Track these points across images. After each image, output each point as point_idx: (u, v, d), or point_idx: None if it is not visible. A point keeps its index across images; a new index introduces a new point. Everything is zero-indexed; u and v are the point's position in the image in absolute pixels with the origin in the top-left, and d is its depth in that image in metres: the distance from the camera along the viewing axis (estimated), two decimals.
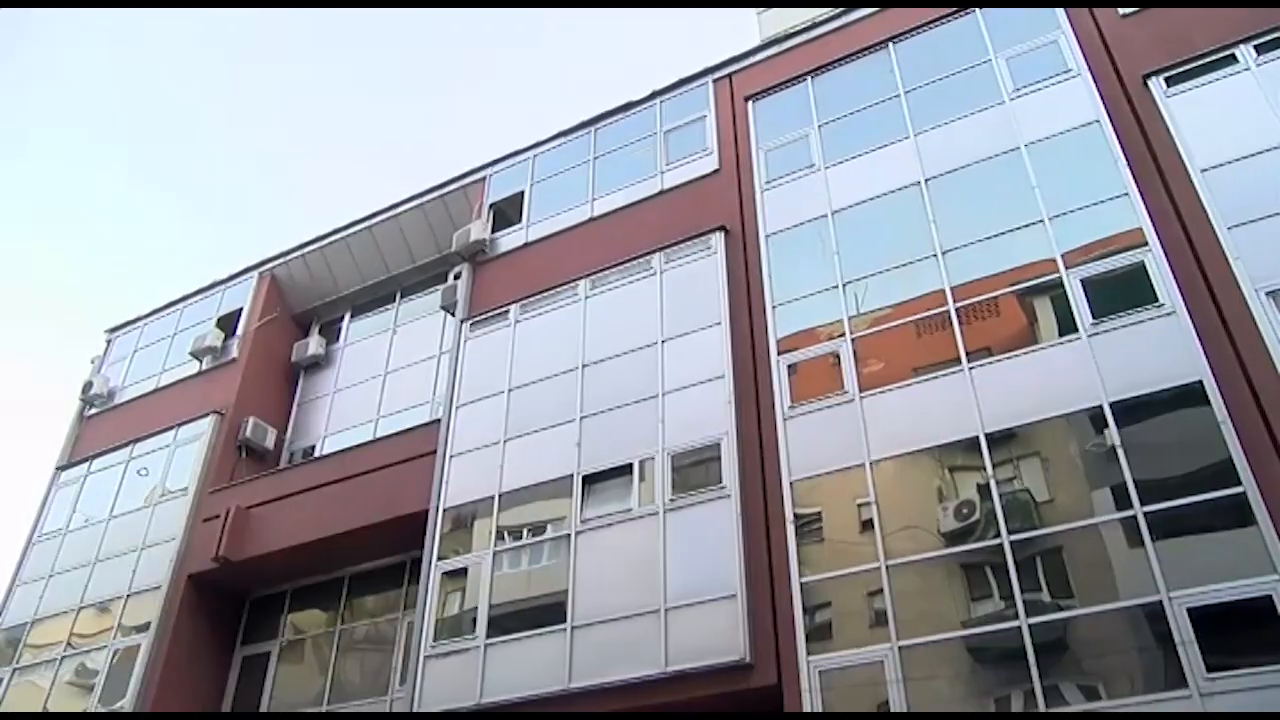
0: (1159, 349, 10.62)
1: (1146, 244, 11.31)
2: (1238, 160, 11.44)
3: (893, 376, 12.06)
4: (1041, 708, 9.42)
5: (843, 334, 12.68)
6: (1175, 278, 10.95)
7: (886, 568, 10.82)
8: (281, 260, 20.80)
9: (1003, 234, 12.40)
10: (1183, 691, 8.97)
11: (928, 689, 10.05)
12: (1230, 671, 8.88)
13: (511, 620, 12.64)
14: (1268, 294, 10.45)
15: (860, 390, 12.09)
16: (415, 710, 12.48)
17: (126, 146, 60.45)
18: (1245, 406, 9.96)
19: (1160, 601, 9.39)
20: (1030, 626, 9.85)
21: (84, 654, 16.72)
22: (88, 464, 19.78)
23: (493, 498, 13.75)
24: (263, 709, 16.02)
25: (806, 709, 10.35)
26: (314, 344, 20.08)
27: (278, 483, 17.08)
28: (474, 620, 12.86)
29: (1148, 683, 9.30)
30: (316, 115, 62.40)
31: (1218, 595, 9.21)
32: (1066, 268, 11.64)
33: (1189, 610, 9.24)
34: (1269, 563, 9.12)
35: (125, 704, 15.38)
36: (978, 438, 11.08)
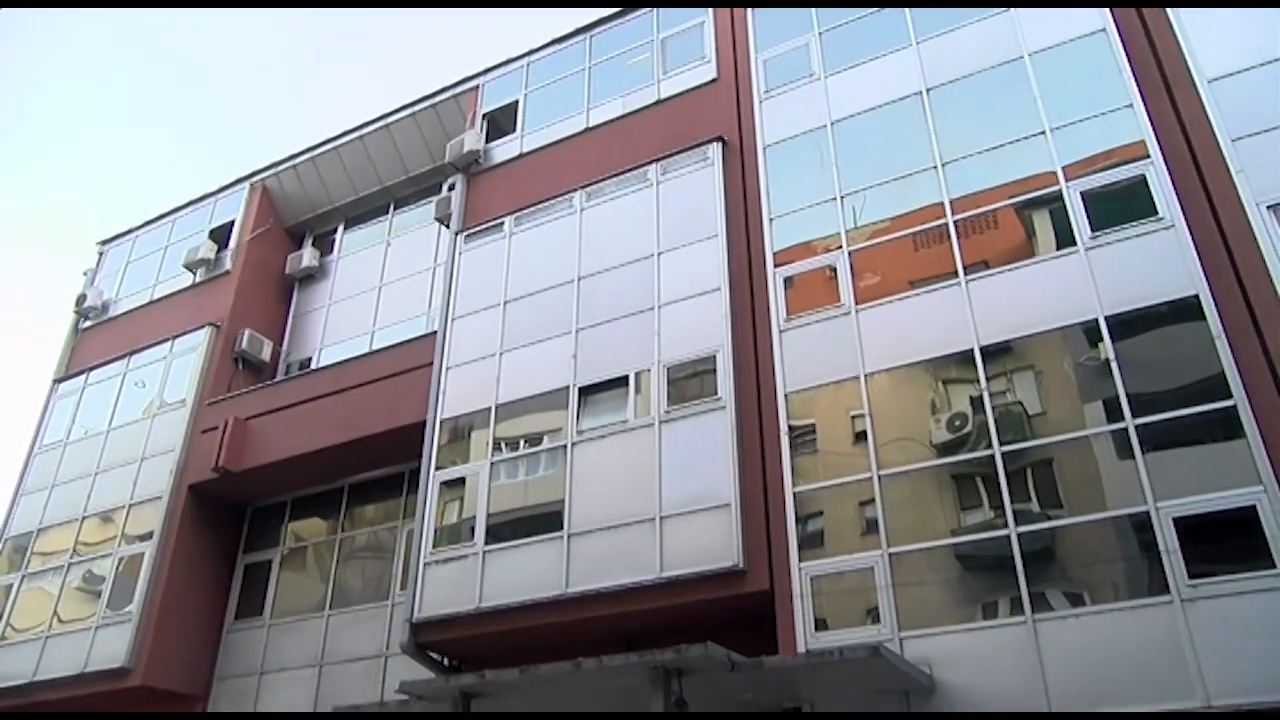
0: (1156, 263, 10.61)
1: (1148, 156, 11.20)
2: (1246, 70, 11.24)
3: (889, 290, 12.06)
4: (1028, 613, 9.68)
5: (839, 247, 12.62)
6: (1176, 191, 10.87)
7: (879, 478, 10.98)
8: (272, 171, 20.55)
9: (1004, 145, 12.25)
10: (1164, 597, 9.22)
11: (916, 594, 10.31)
12: (1211, 578, 9.12)
13: (509, 528, 12.87)
14: (1268, 208, 10.40)
15: (856, 303, 12.09)
16: (416, 613, 12.78)
17: (116, 66, 59.06)
18: (1240, 321, 9.99)
19: (1147, 511, 9.59)
20: (1019, 535, 10.06)
21: (90, 561, 17.05)
22: (85, 376, 19.86)
23: (490, 409, 13.85)
24: (265, 615, 16.41)
25: (797, 614, 10.62)
26: (308, 256, 19.98)
27: (274, 394, 17.18)
28: (472, 528, 13.09)
29: (1131, 589, 9.54)
30: (308, 25, 60.86)
31: (1203, 505, 9.39)
32: (1066, 180, 11.54)
33: (1175, 520, 9.44)
34: (1254, 474, 9.28)
35: (132, 609, 15.73)
36: (972, 351, 11.14)
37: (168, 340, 18.94)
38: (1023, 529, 10.09)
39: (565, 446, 12.94)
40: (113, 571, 16.56)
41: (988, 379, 10.95)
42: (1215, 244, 10.48)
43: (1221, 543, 9.32)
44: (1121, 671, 9.12)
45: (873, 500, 10.94)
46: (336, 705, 11.66)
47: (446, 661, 13.15)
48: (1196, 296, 10.22)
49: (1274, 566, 8.89)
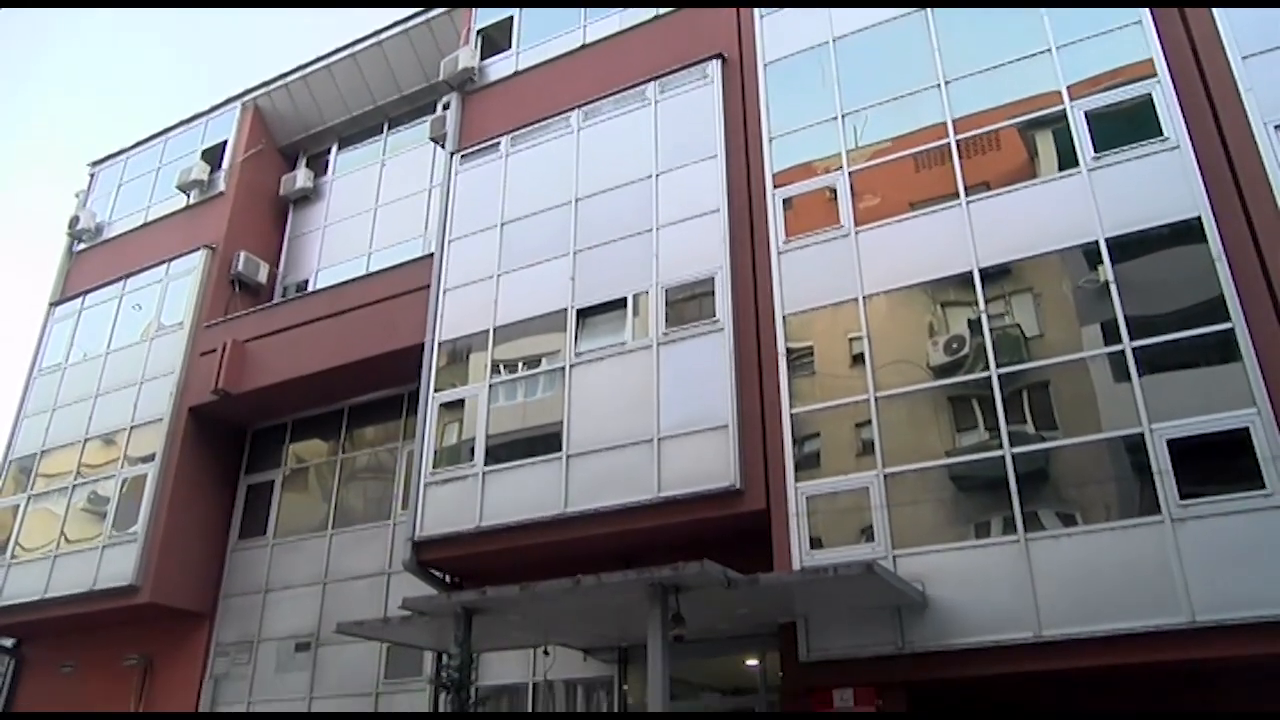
0: (1159, 184, 10.49)
1: (1155, 75, 10.99)
2: None
3: (889, 211, 11.95)
4: (1020, 532, 9.84)
5: (840, 167, 12.46)
6: (1182, 110, 10.69)
7: (875, 400, 11.05)
8: (264, 90, 20.17)
9: (1008, 64, 12.00)
10: (1155, 517, 9.36)
11: (910, 514, 10.46)
12: (1201, 499, 9.24)
13: (508, 449, 12.97)
14: (1276, 128, 10.25)
15: (856, 225, 11.99)
16: (418, 532, 12.97)
17: None
18: (1241, 243, 9.94)
19: (1141, 433, 9.67)
20: (1013, 456, 10.16)
21: (94, 483, 17.24)
22: (81, 299, 19.81)
23: (488, 331, 13.85)
24: (269, 535, 16.66)
25: (793, 532, 10.78)
26: (302, 177, 19.74)
27: (272, 317, 17.15)
28: (472, 449, 13.19)
29: (1122, 509, 9.68)
30: None
31: (1197, 428, 9.48)
32: (1071, 100, 11.35)
33: (1168, 441, 9.53)
34: (1249, 397, 9.33)
35: (137, 529, 15.97)
36: (971, 273, 11.09)
37: (163, 263, 18.83)
38: (1017, 450, 10.19)
39: (563, 368, 12.97)
40: (117, 492, 16.76)
41: (986, 301, 10.93)
42: (1220, 165, 10.36)
43: (1213, 464, 9.43)
44: (1110, 589, 9.30)
45: (869, 422, 11.01)
46: (340, 621, 11.87)
47: (448, 578, 13.40)
48: (1199, 218, 10.14)
49: (1264, 487, 9.01)
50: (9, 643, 18.24)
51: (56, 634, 17.30)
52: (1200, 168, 10.33)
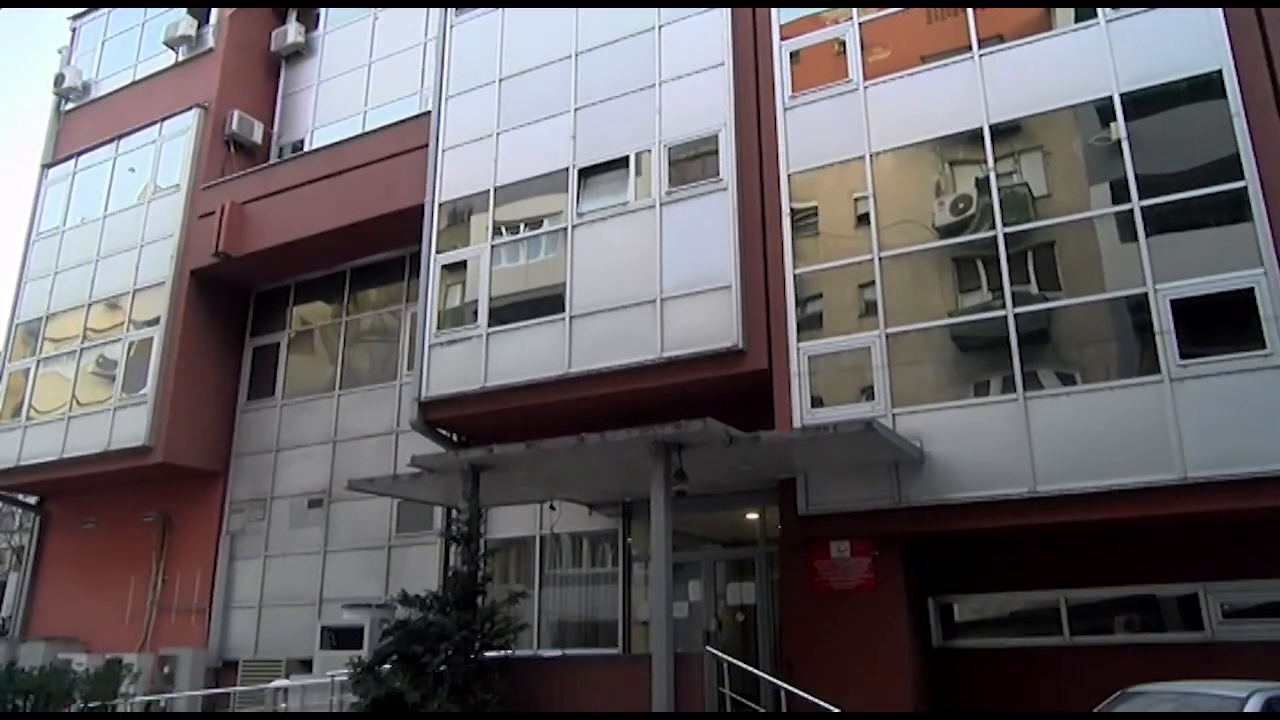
0: (1180, 37, 10.13)
1: None
2: None
3: (899, 65, 11.58)
4: (1020, 391, 9.95)
5: (849, 19, 12.01)
6: None
7: (879, 260, 10.99)
8: None
9: None
10: (1154, 377, 9.45)
11: (911, 373, 10.56)
12: (1201, 359, 9.30)
13: (511, 311, 13.00)
14: None
15: (864, 79, 11.65)
16: (424, 392, 13.15)
17: None
18: (1262, 99, 9.65)
19: (1145, 293, 9.66)
20: (1016, 316, 10.18)
21: (101, 346, 17.38)
22: (74, 161, 19.48)
23: (488, 192, 13.66)
24: (277, 396, 16.89)
25: (794, 392, 10.92)
26: (293, 31, 19.05)
27: (270, 178, 16.90)
28: (475, 311, 13.22)
29: (1122, 369, 9.77)
30: None
31: (1201, 288, 9.46)
32: None
33: (1171, 301, 9.52)
34: (1257, 256, 9.27)
35: (146, 392, 16.19)
36: (981, 130, 10.85)
37: (155, 123, 18.41)
38: (1020, 310, 10.20)
39: (565, 229, 12.86)
40: (124, 356, 16.91)
41: (995, 160, 10.73)
42: (1247, 17, 9.95)
43: (1215, 324, 9.45)
44: (1106, 447, 9.47)
45: (872, 282, 10.99)
46: (351, 478, 12.18)
47: (455, 437, 13.66)
48: (1219, 72, 9.82)
49: (1264, 348, 9.06)
50: (33, 500, 18.80)
51: (77, 492, 17.79)
52: (1225, 19, 9.95)
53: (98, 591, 17.01)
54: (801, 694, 9.21)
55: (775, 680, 9.69)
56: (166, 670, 15.04)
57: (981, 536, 10.52)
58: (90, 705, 14.16)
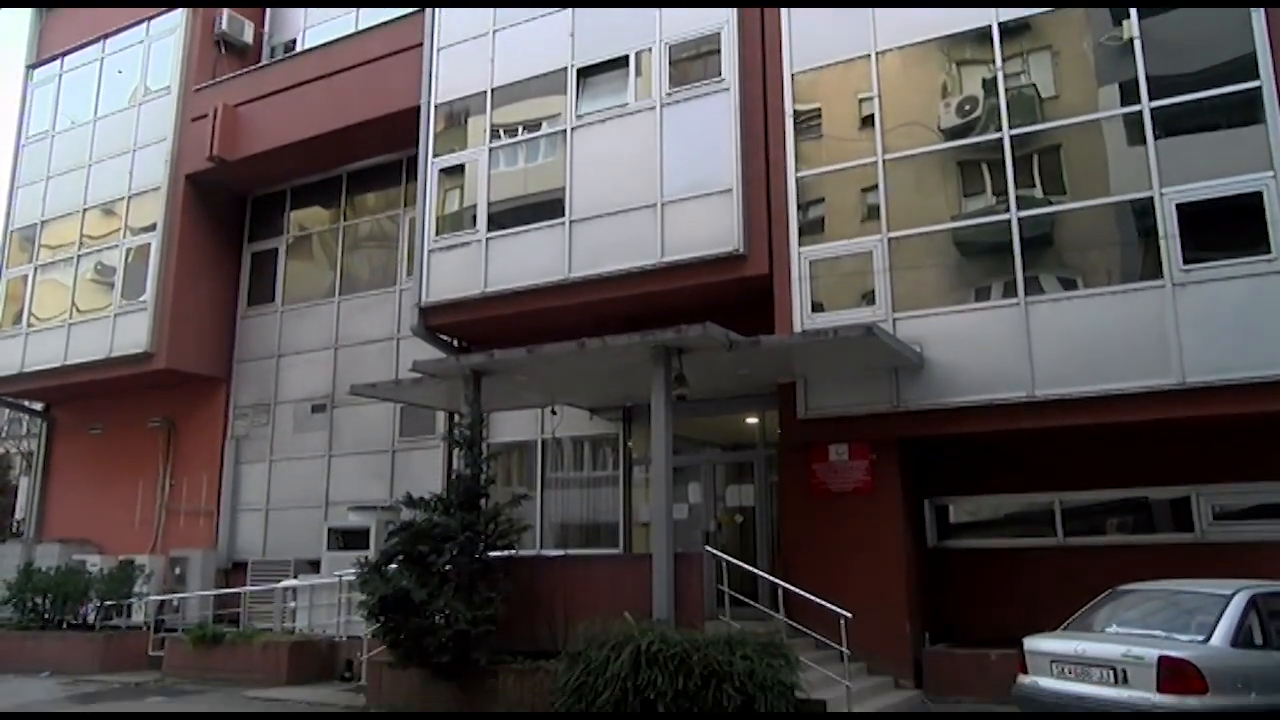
0: None
1: None
2: None
3: None
4: (1021, 296, 9.93)
5: None
6: None
7: (883, 163, 10.84)
8: None
9: None
10: (1157, 282, 9.42)
11: (912, 278, 10.52)
12: (1205, 264, 9.26)
13: (511, 216, 12.88)
14: None
15: None
16: (424, 297, 13.13)
17: None
18: None
19: (1151, 197, 9.56)
20: (1019, 220, 10.10)
21: (98, 253, 17.28)
22: (60, 62, 19.04)
23: (485, 93, 13.37)
24: (277, 302, 16.86)
25: (795, 296, 10.90)
26: None
27: (262, 80, 16.54)
28: (474, 216, 13.10)
29: (1124, 274, 9.74)
30: None
31: (1209, 191, 9.35)
32: None
33: (1178, 205, 9.43)
34: (1267, 159, 9.14)
35: (146, 299, 16.17)
36: (990, 28, 10.58)
37: (142, 22, 17.93)
38: (1024, 214, 10.12)
39: (565, 131, 12.63)
40: (122, 262, 16.83)
41: (1003, 60, 10.49)
42: None
43: (1220, 229, 9.38)
44: (1105, 352, 9.51)
45: (875, 186, 10.87)
46: (353, 383, 12.25)
47: (456, 343, 13.69)
48: None
49: (1269, 252, 9.00)
50: (39, 406, 18.96)
51: (82, 398, 17.93)
52: None
53: (107, 495, 17.30)
54: (798, 591, 9.44)
55: (773, 579, 9.92)
56: (178, 571, 15.39)
57: (979, 440, 10.64)
58: (107, 603, 14.57)
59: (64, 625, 14.69)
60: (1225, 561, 9.17)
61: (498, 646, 9.67)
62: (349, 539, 13.48)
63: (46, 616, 14.73)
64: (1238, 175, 9.25)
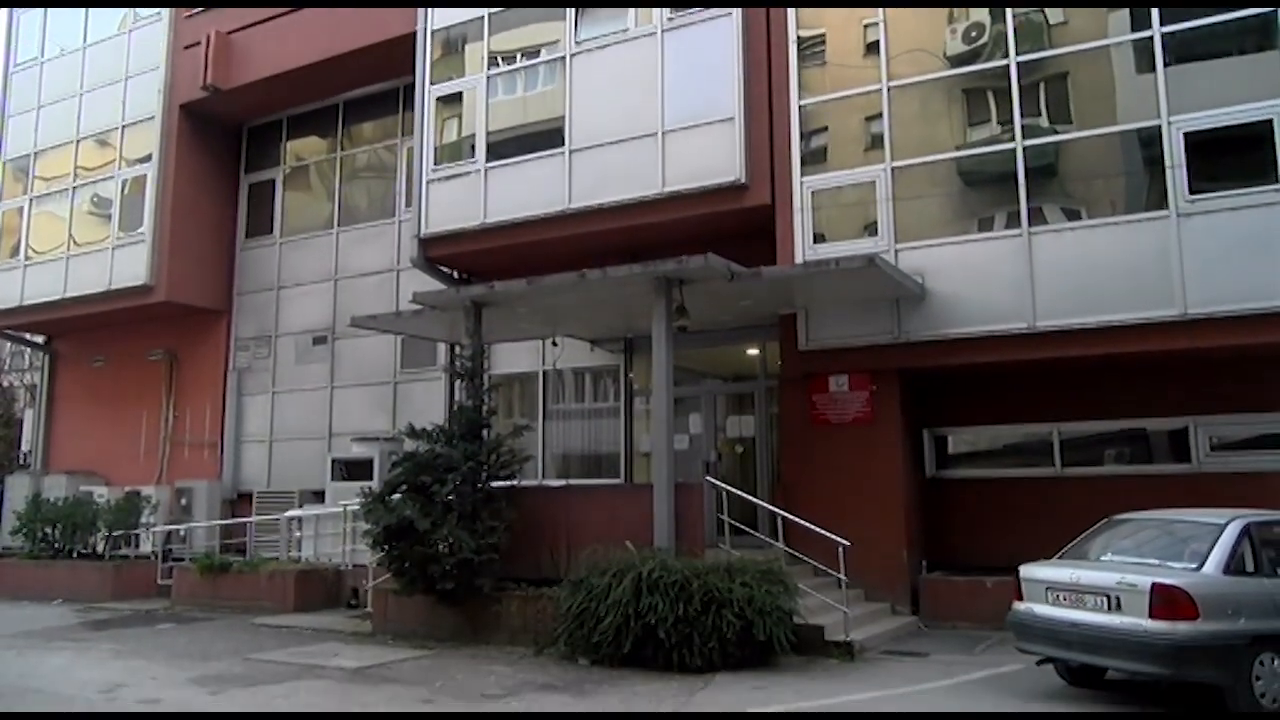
0: None
1: None
2: None
3: None
4: (1024, 226, 9.87)
5: None
6: None
7: (888, 90, 10.68)
8: None
9: None
10: (1161, 212, 9.35)
11: (915, 208, 10.44)
12: (1211, 194, 9.18)
13: (510, 145, 12.71)
14: None
15: None
16: (423, 228, 13.05)
17: None
18: None
19: (1159, 126, 9.44)
20: (1025, 149, 9.98)
21: (94, 184, 17.12)
22: None
23: (482, 19, 13.08)
24: (276, 234, 16.75)
25: (797, 227, 10.82)
26: None
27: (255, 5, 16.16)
28: (473, 146, 12.94)
29: (1129, 204, 9.67)
30: None
31: (1217, 119, 9.24)
32: None
33: (1185, 134, 9.31)
34: (1278, 87, 8.98)
35: (144, 231, 16.06)
36: None
37: None
38: (1029, 143, 10.01)
39: (564, 58, 12.40)
40: (118, 194, 16.68)
41: None
42: None
43: (1228, 158, 9.30)
44: (1107, 283, 9.48)
45: (880, 114, 10.72)
46: (354, 315, 12.24)
47: (456, 274, 13.64)
48: None
49: (1277, 182, 8.91)
50: (40, 339, 18.98)
51: (83, 331, 17.93)
52: None
53: (112, 427, 17.41)
54: (798, 520, 9.56)
55: (772, 508, 10.04)
56: (183, 502, 15.56)
57: (979, 371, 10.68)
58: (115, 533, 14.77)
59: (74, 555, 14.92)
60: (1221, 492, 9.24)
61: (501, 574, 9.83)
62: (353, 470, 13.60)
63: (57, 546, 14.96)
64: (1247, 103, 9.12)
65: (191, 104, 16.33)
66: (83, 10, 17.89)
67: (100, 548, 14.90)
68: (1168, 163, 9.35)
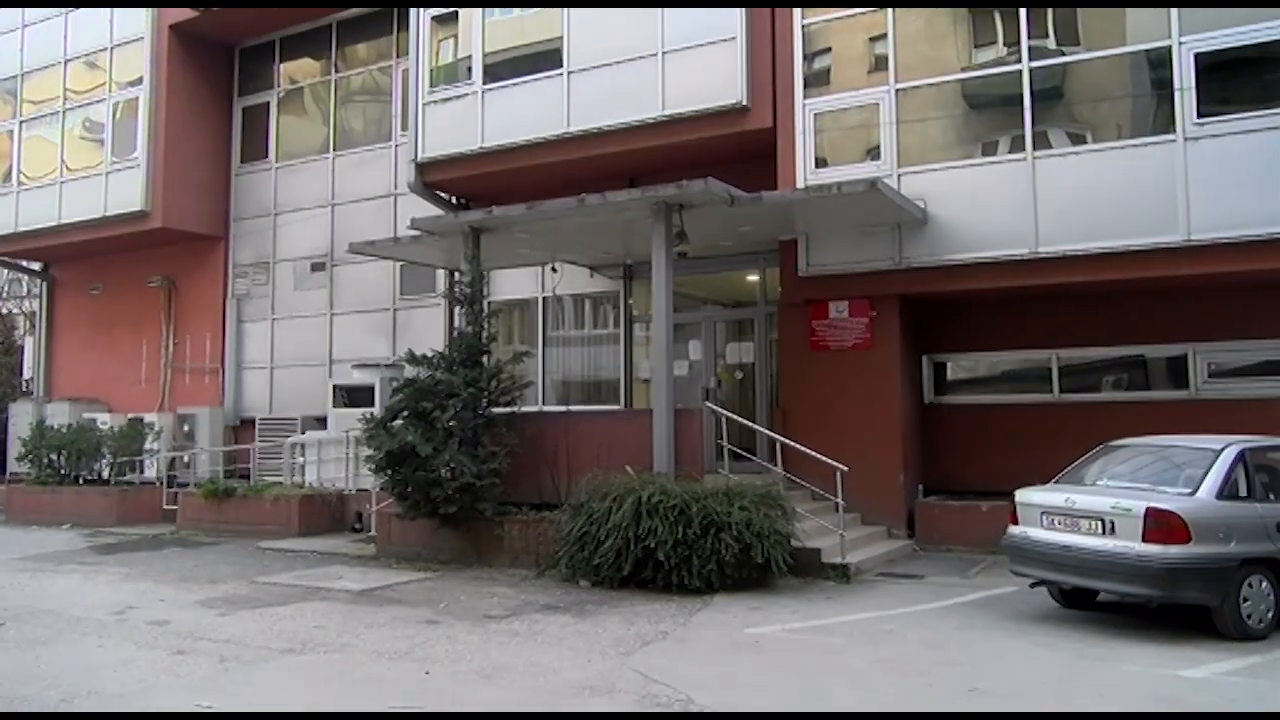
0: None
1: None
2: None
3: None
4: (1028, 150, 9.75)
5: None
6: None
7: (892, 10, 10.43)
8: None
9: None
10: (1168, 136, 9.22)
11: (919, 131, 10.30)
12: (1220, 117, 9.03)
13: (507, 67, 12.48)
14: None
15: None
16: (420, 153, 12.88)
17: None
18: None
19: (1169, 46, 9.25)
20: (1031, 71, 9.80)
21: (85, 108, 16.85)
22: None
23: None
24: (271, 159, 16.53)
25: (798, 151, 10.68)
26: None
27: None
28: (469, 68, 12.70)
29: (1135, 128, 9.53)
30: None
31: (1229, 40, 9.05)
32: None
33: (1195, 55, 9.13)
34: None
35: (138, 156, 15.87)
36: None
37: None
38: (1035, 64, 9.82)
39: None
40: (110, 118, 16.43)
41: None
42: None
43: (1238, 81, 9.15)
44: (1111, 208, 9.39)
45: (884, 35, 10.49)
46: (352, 241, 12.14)
47: (454, 200, 13.52)
48: None
49: None
50: (37, 266, 18.89)
51: (80, 258, 17.85)
52: None
53: (112, 354, 17.45)
54: (796, 445, 9.64)
55: (771, 433, 10.11)
56: (186, 428, 15.67)
57: (979, 297, 10.65)
58: (120, 459, 14.90)
59: (80, 480, 15.08)
60: (1219, 418, 9.29)
61: (502, 498, 9.95)
62: (354, 396, 13.66)
63: (63, 472, 15.10)
64: (1260, 23, 8.92)
65: (181, 24, 15.98)
66: None
67: (106, 474, 15.06)
68: (1176, 85, 9.18)
